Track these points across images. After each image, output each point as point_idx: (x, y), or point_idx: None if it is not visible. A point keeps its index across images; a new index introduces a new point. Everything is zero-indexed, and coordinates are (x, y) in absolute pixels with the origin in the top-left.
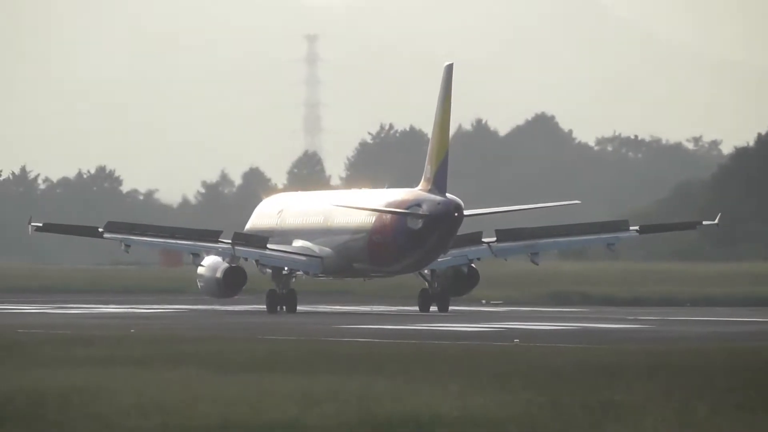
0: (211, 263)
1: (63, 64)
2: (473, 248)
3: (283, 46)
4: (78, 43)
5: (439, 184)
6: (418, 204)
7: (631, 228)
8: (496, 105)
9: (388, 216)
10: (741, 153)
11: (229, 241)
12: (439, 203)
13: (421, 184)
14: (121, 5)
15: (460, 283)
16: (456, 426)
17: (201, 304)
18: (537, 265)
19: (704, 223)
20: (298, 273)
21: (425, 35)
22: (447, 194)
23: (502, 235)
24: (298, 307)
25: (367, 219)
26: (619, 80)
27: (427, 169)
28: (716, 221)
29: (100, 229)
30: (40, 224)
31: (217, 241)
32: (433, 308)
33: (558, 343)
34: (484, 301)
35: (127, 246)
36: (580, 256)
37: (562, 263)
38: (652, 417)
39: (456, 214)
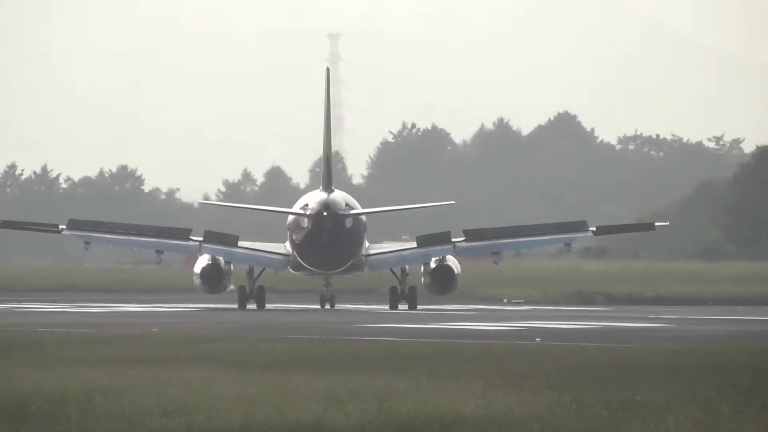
0: (198, 262)
1: (85, 63)
2: (437, 248)
3: (305, 45)
4: (101, 42)
5: (325, 183)
6: (307, 203)
7: (589, 229)
8: (518, 104)
9: (294, 216)
10: (763, 152)
11: (198, 238)
12: (317, 202)
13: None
14: (144, 5)
15: (433, 282)
16: (479, 426)
17: (214, 303)
18: (496, 264)
19: (657, 224)
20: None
21: (447, 35)
22: (333, 193)
23: (470, 234)
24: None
25: (287, 220)
26: (642, 79)
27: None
28: (668, 222)
29: (61, 227)
30: None
31: (188, 239)
32: (404, 306)
33: (580, 342)
34: (505, 300)
35: (87, 243)
36: (603, 255)
37: (584, 263)
38: (673, 416)
39: (325, 213)
